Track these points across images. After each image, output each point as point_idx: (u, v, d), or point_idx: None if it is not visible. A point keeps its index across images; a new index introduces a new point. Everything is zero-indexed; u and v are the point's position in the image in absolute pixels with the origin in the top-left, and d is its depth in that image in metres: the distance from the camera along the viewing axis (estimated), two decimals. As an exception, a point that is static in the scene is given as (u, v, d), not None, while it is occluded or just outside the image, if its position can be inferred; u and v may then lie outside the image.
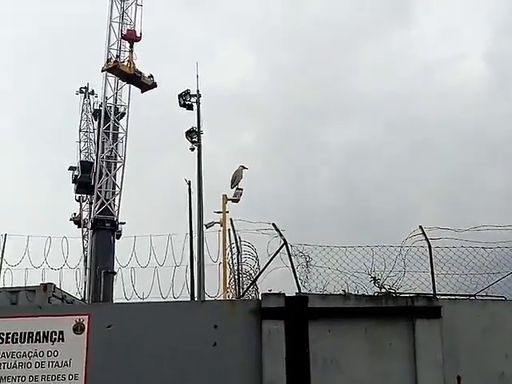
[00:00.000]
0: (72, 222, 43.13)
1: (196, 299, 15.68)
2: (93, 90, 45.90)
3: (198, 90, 24.97)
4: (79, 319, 4.77)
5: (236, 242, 9.91)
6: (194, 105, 24.98)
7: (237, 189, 15.88)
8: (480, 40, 65.68)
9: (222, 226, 14.36)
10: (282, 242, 7.78)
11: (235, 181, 15.47)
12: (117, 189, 37.44)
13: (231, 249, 10.44)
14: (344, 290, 7.32)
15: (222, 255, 12.76)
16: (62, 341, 4.71)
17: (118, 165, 37.65)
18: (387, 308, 5.43)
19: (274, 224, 8.68)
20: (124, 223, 35.76)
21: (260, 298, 5.22)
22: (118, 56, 35.97)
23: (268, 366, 4.91)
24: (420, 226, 8.80)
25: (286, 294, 5.25)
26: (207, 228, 15.77)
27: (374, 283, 7.77)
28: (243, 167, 15.89)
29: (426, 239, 8.83)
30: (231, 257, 10.51)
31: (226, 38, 61.30)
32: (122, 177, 37.26)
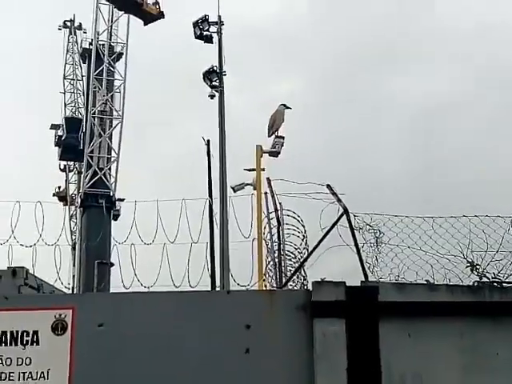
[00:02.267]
0: (56, 197, 43.62)
1: (218, 289, 15.80)
2: (80, 24, 45.70)
3: (219, 16, 24.46)
4: (60, 315, 4.79)
5: (276, 211, 9.85)
6: (215, 36, 24.51)
7: (276, 137, 15.77)
8: None
9: (255, 188, 14.33)
10: (342, 209, 7.63)
11: (274, 125, 15.36)
12: (113, 154, 37.51)
13: (269, 220, 10.38)
14: (427, 280, 7.17)
15: (255, 229, 12.74)
16: (37, 344, 4.73)
17: (115, 122, 37.51)
18: (493, 304, 5.33)
19: (329, 185, 8.55)
20: (123, 200, 35.81)
21: (310, 287, 5.15)
22: (113, -24, 35.44)
23: (322, 383, 4.86)
24: None
25: (348, 284, 5.16)
26: (235, 191, 15.88)
27: (472, 270, 7.60)
28: (285, 106, 15.72)
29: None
30: (269, 231, 10.46)
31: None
32: (120, 138, 37.28)
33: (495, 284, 7.21)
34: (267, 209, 10.71)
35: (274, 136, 15.87)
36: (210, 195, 18.53)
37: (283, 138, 15.85)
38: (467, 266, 7.64)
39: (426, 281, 7.12)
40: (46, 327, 4.76)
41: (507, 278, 7.73)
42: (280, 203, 9.95)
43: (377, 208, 8.16)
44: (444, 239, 7.54)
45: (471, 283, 7.08)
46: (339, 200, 8.00)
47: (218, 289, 16.33)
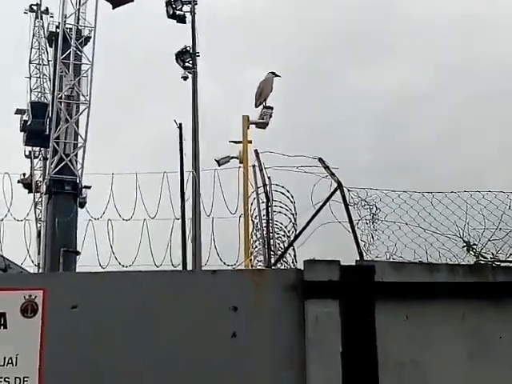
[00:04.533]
0: (21, 184, 44.16)
1: (190, 269, 15.80)
2: (47, 8, 46.13)
3: None
4: (30, 296, 4.66)
5: (264, 186, 9.72)
6: (188, 15, 24.71)
7: (264, 107, 15.61)
8: None
9: (241, 162, 14.21)
10: (336, 184, 7.52)
11: (262, 94, 15.20)
12: (80, 140, 38.05)
13: (257, 195, 10.25)
14: (420, 261, 7.09)
15: (242, 204, 12.63)
16: (5, 327, 4.61)
17: (82, 107, 38.15)
18: (496, 284, 5.25)
19: (321, 159, 8.44)
20: (90, 187, 36.33)
21: (302, 267, 5.05)
22: (79, -44, 35.71)
23: (314, 370, 4.78)
24: None
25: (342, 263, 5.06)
26: (220, 165, 15.75)
27: (468, 250, 7.54)
28: (274, 74, 15.54)
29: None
30: (257, 207, 10.34)
31: None
32: (87, 124, 37.86)
33: (494, 264, 7.17)
34: (255, 183, 10.56)
35: (261, 106, 15.70)
36: (182, 180, 18.60)
37: (272, 108, 15.64)
38: (463, 246, 7.59)
39: (420, 261, 7.04)
40: (15, 309, 4.63)
41: (509, 256, 7.68)
42: (269, 177, 9.83)
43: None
44: (444, 216, 7.45)
45: (473, 262, 7.04)
46: (332, 174, 7.89)
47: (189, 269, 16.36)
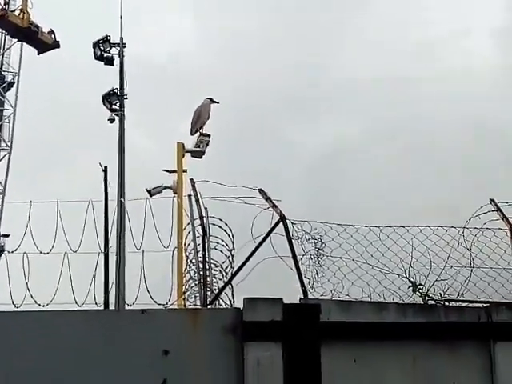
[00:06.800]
0: None
1: (113, 307, 15.58)
2: None
3: (121, 38, 25.71)
4: None
5: (201, 218, 9.58)
6: (116, 58, 25.60)
7: (201, 135, 15.54)
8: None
9: (175, 192, 14.08)
10: (278, 216, 7.45)
11: (199, 121, 15.09)
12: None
13: (193, 227, 10.11)
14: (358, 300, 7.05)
15: (176, 237, 12.45)
16: None
17: (2, 153, 38.39)
18: (448, 324, 5.25)
19: (261, 190, 8.38)
20: (8, 236, 36.09)
21: (241, 306, 4.92)
22: (6, 3, 36.50)
23: (254, 419, 4.65)
24: (492, 200, 8.73)
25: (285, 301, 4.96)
26: (152, 195, 15.51)
27: (414, 291, 7.56)
28: (212, 100, 15.49)
29: (505, 218, 8.75)
30: (193, 241, 10.18)
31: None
32: (8, 171, 38.13)
33: (440, 303, 7.20)
34: (191, 215, 10.40)
35: (198, 134, 15.61)
36: (106, 223, 18.66)
37: (209, 136, 15.60)
38: (409, 287, 7.61)
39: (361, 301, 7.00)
40: None
41: (459, 295, 7.72)
42: (205, 208, 9.71)
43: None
44: (392, 252, 7.46)
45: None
46: (274, 206, 7.82)
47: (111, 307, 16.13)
